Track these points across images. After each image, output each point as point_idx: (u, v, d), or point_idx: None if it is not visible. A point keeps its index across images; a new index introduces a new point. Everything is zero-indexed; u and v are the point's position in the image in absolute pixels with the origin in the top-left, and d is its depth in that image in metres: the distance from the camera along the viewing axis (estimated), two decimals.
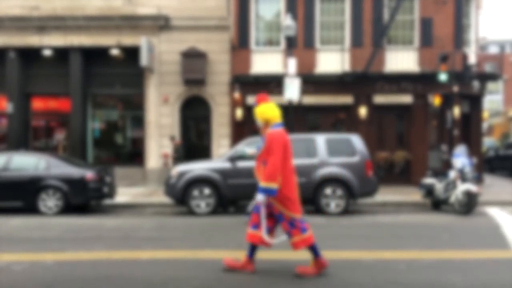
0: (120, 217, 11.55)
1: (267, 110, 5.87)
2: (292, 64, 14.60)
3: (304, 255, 6.07)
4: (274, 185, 5.54)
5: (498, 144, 29.72)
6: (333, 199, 11.60)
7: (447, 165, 15.39)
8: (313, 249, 5.76)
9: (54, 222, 10.42)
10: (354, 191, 11.65)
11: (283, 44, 17.76)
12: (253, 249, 5.88)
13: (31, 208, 11.98)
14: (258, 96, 6.03)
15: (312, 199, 11.72)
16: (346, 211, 11.63)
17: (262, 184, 5.60)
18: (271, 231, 5.90)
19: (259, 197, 5.61)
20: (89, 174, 12.19)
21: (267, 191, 5.55)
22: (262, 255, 6.22)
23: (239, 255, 6.89)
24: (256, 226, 5.79)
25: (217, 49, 18.14)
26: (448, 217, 10.90)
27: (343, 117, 18.62)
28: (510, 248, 7.39)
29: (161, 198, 13.68)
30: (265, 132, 5.83)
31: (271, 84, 17.59)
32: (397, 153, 18.12)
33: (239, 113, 17.86)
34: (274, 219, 5.85)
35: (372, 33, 17.80)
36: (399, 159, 18.07)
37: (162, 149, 17.96)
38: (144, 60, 16.94)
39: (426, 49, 17.79)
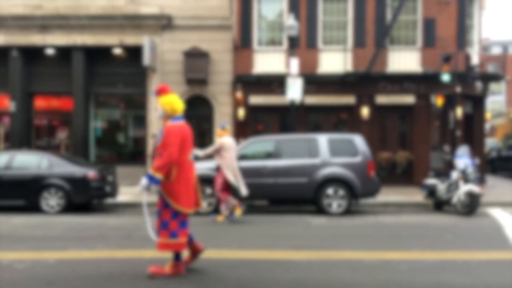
0: (122, 216, 11.56)
1: (174, 101, 5.78)
2: (295, 64, 14.59)
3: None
4: (159, 176, 5.48)
5: (501, 145, 29.65)
6: (335, 199, 11.59)
7: (450, 165, 15.38)
8: (177, 254, 5.69)
9: (56, 221, 10.43)
10: (356, 191, 11.64)
11: (285, 44, 17.75)
12: (177, 255, 5.79)
13: (33, 207, 12.00)
14: (159, 88, 5.88)
15: (313, 199, 11.73)
16: (348, 212, 11.62)
17: (150, 171, 5.54)
18: (180, 234, 5.74)
19: (144, 181, 5.55)
20: (91, 173, 12.21)
21: (151, 178, 5.49)
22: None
23: (240, 254, 6.89)
24: (158, 232, 5.71)
25: (219, 48, 18.14)
26: (450, 218, 10.88)
27: (345, 117, 18.61)
28: None
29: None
30: (165, 125, 5.76)
31: (274, 84, 17.60)
32: (399, 153, 18.10)
33: (241, 112, 17.86)
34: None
35: (375, 33, 17.78)
36: (401, 160, 18.05)
37: None
38: (146, 59, 16.96)
39: (428, 50, 17.76)
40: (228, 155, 10.28)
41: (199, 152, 10.67)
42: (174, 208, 5.57)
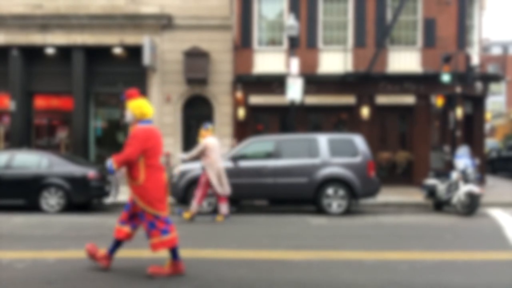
0: None
1: (143, 105, 5.83)
2: (295, 64, 14.59)
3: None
4: (115, 167, 5.63)
5: (501, 146, 29.66)
6: (335, 199, 11.59)
7: (450, 166, 15.38)
8: (173, 251, 5.72)
9: (56, 220, 10.43)
10: (356, 191, 11.64)
11: (285, 44, 17.75)
12: (116, 245, 5.88)
13: (33, 206, 12.00)
14: (128, 92, 5.91)
15: (313, 199, 11.72)
16: (348, 212, 11.62)
17: (112, 158, 5.68)
18: (136, 228, 5.88)
19: (109, 163, 5.70)
20: (91, 172, 12.21)
21: (110, 165, 5.66)
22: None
23: (240, 254, 6.89)
24: (123, 222, 5.81)
25: (219, 48, 18.14)
26: (450, 218, 10.88)
27: (345, 117, 18.61)
28: None
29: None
30: (133, 127, 5.80)
31: (274, 84, 17.60)
32: (399, 153, 18.10)
33: (241, 112, 17.86)
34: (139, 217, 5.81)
35: (375, 34, 17.78)
36: (401, 160, 18.05)
37: (164, 148, 17.96)
38: (146, 59, 16.96)
39: (429, 50, 17.76)
40: (212, 155, 10.26)
41: (184, 156, 10.74)
42: (151, 213, 5.63)
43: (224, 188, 10.42)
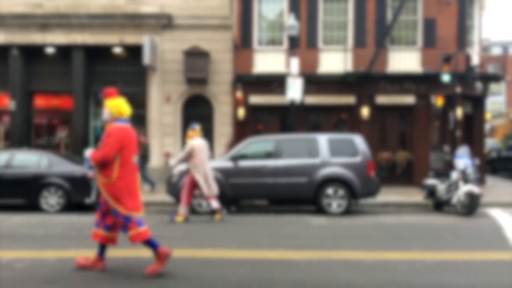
0: None
1: (121, 104, 5.86)
2: (295, 64, 14.58)
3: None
4: (93, 162, 5.66)
5: (501, 146, 29.66)
6: (334, 199, 11.58)
7: (449, 166, 15.38)
8: (150, 243, 5.71)
9: (56, 220, 10.43)
10: (356, 191, 11.64)
11: (285, 43, 17.74)
12: (102, 247, 5.88)
13: (33, 206, 11.99)
14: (107, 91, 5.93)
15: (313, 199, 11.72)
16: (347, 212, 11.62)
17: (91, 154, 5.68)
18: (112, 228, 5.85)
19: (87, 153, 5.73)
20: (91, 172, 12.18)
21: (89, 161, 5.69)
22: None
23: (240, 254, 6.89)
24: (97, 223, 5.81)
25: (219, 48, 18.14)
26: (450, 218, 10.88)
27: (345, 117, 18.61)
28: None
29: (163, 196, 13.68)
30: (109, 126, 5.80)
31: (274, 83, 17.59)
32: (399, 153, 18.10)
33: (241, 112, 17.86)
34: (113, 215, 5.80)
35: (375, 33, 17.78)
36: (401, 160, 18.05)
37: (164, 148, 17.97)
38: (146, 58, 16.96)
39: (429, 50, 17.76)
40: (199, 156, 10.15)
41: (172, 162, 10.64)
42: (123, 213, 5.61)
43: (211, 189, 10.29)
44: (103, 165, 5.65)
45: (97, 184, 5.84)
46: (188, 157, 10.23)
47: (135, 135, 5.93)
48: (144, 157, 16.19)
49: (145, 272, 5.71)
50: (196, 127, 10.50)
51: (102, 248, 5.93)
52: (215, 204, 10.36)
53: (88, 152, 5.75)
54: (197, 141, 10.27)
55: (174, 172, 12.08)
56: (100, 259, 5.94)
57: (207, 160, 10.40)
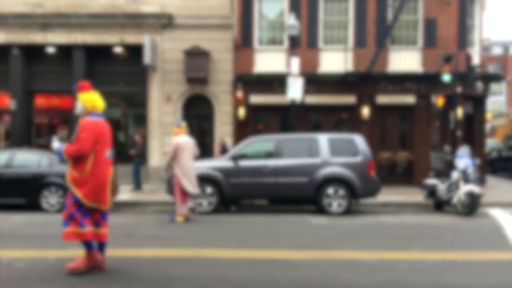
0: (122, 215, 11.56)
1: (95, 98, 5.84)
2: (295, 64, 14.58)
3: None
4: (65, 157, 5.65)
5: (501, 146, 29.64)
6: (335, 199, 11.58)
7: (450, 166, 15.37)
8: (88, 245, 5.72)
9: (56, 219, 10.39)
10: (357, 191, 11.64)
11: (286, 43, 17.74)
12: (100, 246, 5.87)
13: (33, 205, 12.00)
14: (80, 84, 5.89)
15: (314, 199, 11.72)
16: (348, 211, 11.62)
17: (64, 148, 5.64)
18: (104, 223, 5.87)
19: (56, 145, 5.75)
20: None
21: (60, 153, 5.66)
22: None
23: (240, 254, 6.89)
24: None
25: (220, 47, 18.14)
26: (450, 218, 10.88)
27: (345, 117, 18.60)
28: None
29: (163, 196, 13.70)
30: (82, 120, 5.78)
31: (274, 83, 17.59)
32: (400, 153, 18.10)
33: (241, 112, 17.86)
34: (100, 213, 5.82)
35: (376, 33, 17.77)
36: (402, 160, 18.05)
37: (164, 147, 17.97)
38: (147, 58, 16.96)
39: (429, 50, 17.75)
40: (183, 154, 10.10)
41: (162, 172, 10.64)
42: (77, 198, 5.60)
43: (190, 188, 10.21)
44: (77, 159, 5.62)
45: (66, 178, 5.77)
46: (174, 155, 10.17)
47: (109, 129, 5.91)
48: (140, 156, 16.25)
49: (66, 267, 5.70)
50: (182, 124, 10.52)
51: (101, 248, 5.90)
52: (190, 204, 10.35)
53: (58, 145, 5.72)
54: (182, 138, 10.25)
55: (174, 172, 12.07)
56: (99, 256, 5.90)
57: (191, 158, 10.34)
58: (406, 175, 18.01)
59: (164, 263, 6.36)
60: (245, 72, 17.98)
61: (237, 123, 18.07)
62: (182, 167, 10.10)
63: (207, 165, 11.98)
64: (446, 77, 16.14)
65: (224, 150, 15.37)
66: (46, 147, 18.30)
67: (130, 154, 16.57)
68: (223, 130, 18.18)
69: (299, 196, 11.92)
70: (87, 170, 5.62)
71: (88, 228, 5.67)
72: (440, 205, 12.37)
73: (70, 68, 18.18)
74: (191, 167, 10.28)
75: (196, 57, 17.72)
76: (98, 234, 5.83)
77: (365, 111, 17.75)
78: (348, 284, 5.45)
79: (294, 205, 12.92)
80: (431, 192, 12.42)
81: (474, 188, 11.12)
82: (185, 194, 10.30)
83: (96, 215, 5.82)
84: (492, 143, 29.36)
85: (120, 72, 18.57)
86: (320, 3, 18.00)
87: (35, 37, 18.08)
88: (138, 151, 16.37)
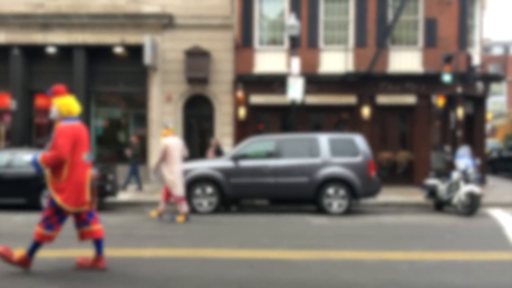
0: (122, 215, 11.57)
1: (70, 102, 5.81)
2: (296, 64, 14.58)
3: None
4: (43, 167, 5.61)
5: (501, 146, 29.63)
6: (335, 199, 11.58)
7: (450, 166, 15.37)
8: (34, 246, 5.74)
9: None
10: (357, 191, 11.64)
11: (286, 43, 17.73)
12: (96, 244, 5.86)
13: (34, 205, 12.00)
14: (55, 88, 5.88)
15: (314, 199, 11.72)
16: (348, 211, 11.62)
17: (40, 158, 5.60)
18: (91, 221, 5.85)
19: (34, 159, 5.68)
20: (92, 171, 12.18)
21: (36, 164, 5.63)
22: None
23: (240, 254, 6.89)
24: (79, 225, 5.80)
25: (220, 48, 18.14)
26: (450, 218, 10.88)
27: (346, 117, 18.60)
28: None
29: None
30: (57, 125, 5.75)
31: (275, 83, 17.59)
32: (400, 153, 18.10)
33: (242, 112, 17.86)
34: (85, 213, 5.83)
35: (376, 33, 17.76)
36: (402, 160, 18.05)
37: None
38: (147, 58, 16.96)
39: (430, 50, 17.75)
40: (172, 155, 10.22)
41: (152, 175, 10.80)
42: (57, 205, 5.60)
43: (177, 190, 10.27)
44: (56, 166, 5.58)
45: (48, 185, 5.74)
46: (163, 156, 10.26)
47: (86, 132, 5.88)
48: (136, 156, 16.28)
49: (11, 258, 5.73)
50: (169, 126, 10.65)
51: (98, 245, 5.90)
52: (184, 207, 10.30)
53: (31, 156, 5.67)
54: (170, 140, 10.35)
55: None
56: (99, 258, 5.92)
57: (179, 159, 10.44)
58: (406, 175, 18.00)
59: (164, 263, 6.36)
60: (245, 72, 17.98)
61: (238, 123, 18.07)
62: (170, 168, 10.23)
63: (208, 165, 11.99)
64: (447, 77, 16.13)
65: (218, 151, 15.32)
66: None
67: (126, 154, 16.61)
68: (223, 130, 18.18)
69: (300, 196, 11.92)
70: (64, 175, 5.60)
71: (53, 233, 5.70)
72: (440, 205, 12.37)
73: (70, 68, 18.18)
74: (179, 169, 10.41)
75: (197, 57, 17.72)
76: (91, 232, 5.83)
77: (366, 111, 17.75)
78: (348, 284, 5.45)
79: (295, 205, 12.92)
80: (432, 192, 12.42)
81: (474, 188, 11.11)
82: (169, 194, 10.44)
83: (83, 215, 5.83)
84: (492, 143, 29.35)
85: (121, 72, 18.58)
86: (320, 3, 18.00)
87: (36, 37, 18.09)
88: (134, 151, 16.40)
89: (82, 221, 5.84)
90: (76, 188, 5.64)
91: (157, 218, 10.44)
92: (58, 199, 5.58)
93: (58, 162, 5.56)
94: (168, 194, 10.52)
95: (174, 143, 10.35)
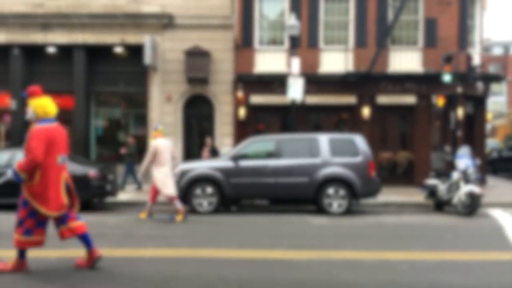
0: (122, 215, 11.57)
1: (46, 104, 5.73)
2: (296, 64, 14.58)
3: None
4: (22, 175, 5.56)
5: (502, 146, 29.64)
6: (335, 199, 11.58)
7: (450, 166, 15.38)
8: (21, 253, 5.76)
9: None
10: (357, 191, 11.63)
11: (286, 43, 17.73)
12: (85, 240, 5.84)
13: None
14: (31, 89, 5.80)
15: (314, 199, 11.73)
16: (348, 211, 11.62)
17: (16, 167, 5.57)
18: (68, 219, 5.81)
19: (12, 173, 5.66)
20: (92, 171, 12.21)
21: (16, 175, 5.59)
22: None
23: (240, 254, 6.89)
24: (59, 223, 5.79)
25: (220, 48, 18.14)
26: (450, 218, 10.88)
27: (346, 117, 18.60)
28: None
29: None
30: (32, 126, 5.68)
31: (275, 83, 17.59)
32: (400, 153, 18.10)
33: (242, 112, 17.86)
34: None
35: (376, 33, 17.76)
36: (402, 160, 18.04)
37: None
38: (147, 58, 16.96)
39: (430, 50, 17.75)
40: (162, 156, 10.32)
41: (139, 175, 10.93)
42: (36, 210, 5.57)
43: (169, 189, 10.34)
44: (33, 170, 5.52)
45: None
46: (153, 158, 10.36)
47: (63, 134, 5.80)
48: (131, 156, 16.30)
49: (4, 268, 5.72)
50: (159, 127, 10.75)
51: (86, 240, 5.85)
52: (178, 205, 10.40)
53: (13, 171, 5.64)
54: (159, 141, 10.44)
55: (174, 172, 12.09)
56: (92, 250, 5.85)
57: (169, 160, 10.52)
58: (406, 175, 18.00)
59: (164, 263, 6.36)
60: (245, 72, 17.98)
61: (238, 123, 18.07)
62: (160, 169, 10.29)
63: (208, 165, 11.99)
64: (447, 77, 16.13)
65: (214, 152, 15.30)
66: None
67: (121, 153, 16.63)
68: (223, 130, 18.18)
69: (300, 196, 11.92)
70: (36, 177, 5.55)
71: (35, 237, 5.69)
72: (440, 205, 12.37)
73: (70, 68, 18.18)
74: (169, 169, 10.48)
75: (197, 57, 17.72)
76: (71, 230, 5.77)
77: (366, 111, 17.75)
78: (348, 284, 5.45)
79: (295, 205, 12.92)
80: (432, 192, 12.42)
81: (474, 188, 11.11)
82: (156, 195, 10.50)
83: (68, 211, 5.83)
84: (492, 143, 29.36)
85: (121, 72, 18.58)
86: (320, 3, 18.00)
87: (36, 37, 18.08)
88: (130, 151, 16.42)
89: (59, 220, 5.79)
90: (51, 191, 5.57)
91: (148, 218, 10.45)
92: (43, 210, 5.55)
93: (34, 166, 5.49)
94: (155, 195, 10.54)
95: (164, 145, 10.45)
